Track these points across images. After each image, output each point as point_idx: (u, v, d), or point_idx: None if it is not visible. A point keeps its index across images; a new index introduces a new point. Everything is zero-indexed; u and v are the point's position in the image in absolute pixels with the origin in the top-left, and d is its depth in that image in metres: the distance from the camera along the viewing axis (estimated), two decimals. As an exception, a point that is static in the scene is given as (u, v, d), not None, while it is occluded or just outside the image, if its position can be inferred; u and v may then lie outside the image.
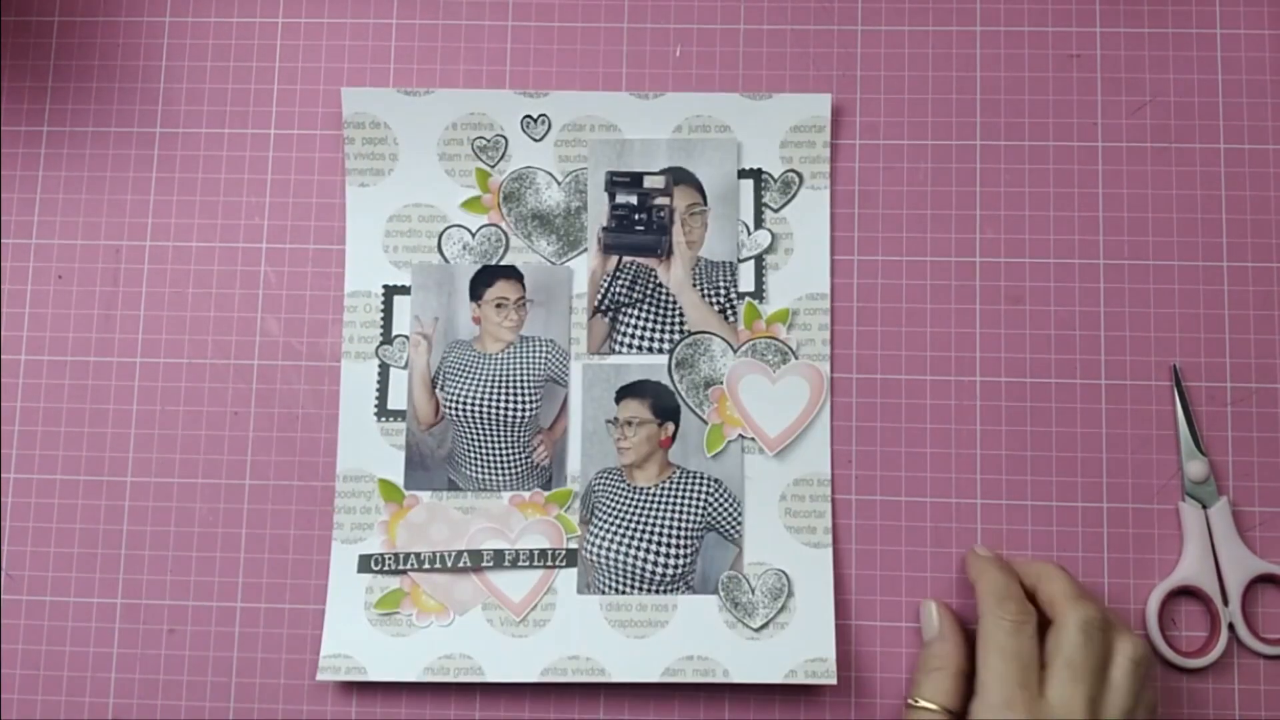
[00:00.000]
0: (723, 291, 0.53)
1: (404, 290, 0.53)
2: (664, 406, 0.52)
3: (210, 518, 0.53)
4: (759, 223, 0.53)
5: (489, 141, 0.54)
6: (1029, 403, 0.52)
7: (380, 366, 0.53)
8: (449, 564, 0.51)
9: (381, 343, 0.53)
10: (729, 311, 0.53)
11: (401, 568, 0.51)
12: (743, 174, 0.53)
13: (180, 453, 0.53)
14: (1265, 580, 0.51)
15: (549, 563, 0.51)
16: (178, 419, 0.53)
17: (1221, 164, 0.54)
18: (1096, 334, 0.53)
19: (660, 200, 0.53)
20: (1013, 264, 0.53)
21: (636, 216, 0.53)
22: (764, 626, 0.50)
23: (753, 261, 0.53)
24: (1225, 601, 0.50)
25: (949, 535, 0.52)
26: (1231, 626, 0.50)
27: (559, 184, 0.54)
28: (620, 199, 0.53)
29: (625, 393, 0.52)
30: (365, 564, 0.51)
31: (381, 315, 0.53)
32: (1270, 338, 0.52)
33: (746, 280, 0.53)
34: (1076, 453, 0.52)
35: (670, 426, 0.52)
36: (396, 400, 0.52)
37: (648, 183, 0.53)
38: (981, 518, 0.52)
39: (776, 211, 0.53)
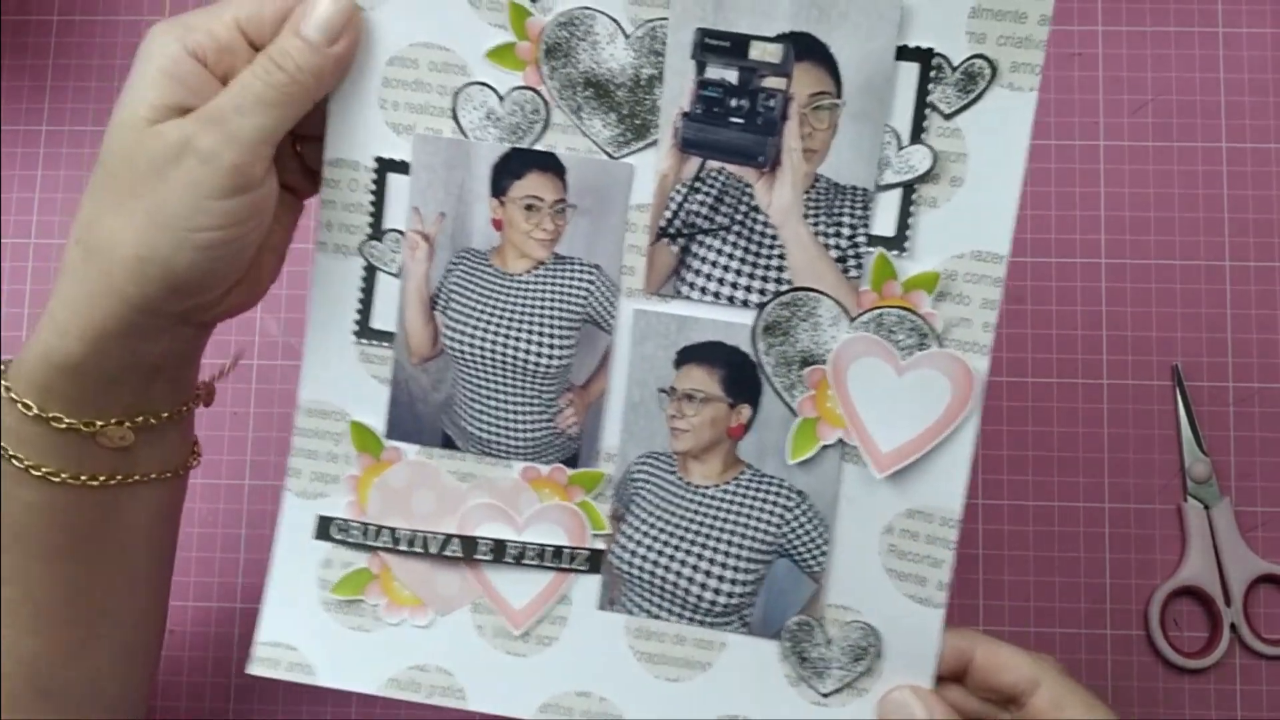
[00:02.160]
0: (847, 231, 0.37)
1: (402, 168, 0.38)
2: (740, 382, 0.38)
3: (210, 518, 0.53)
4: (918, 134, 0.37)
5: None
6: (1030, 402, 0.52)
7: (365, 269, 0.39)
8: (432, 549, 0.39)
9: (369, 237, 0.39)
10: (851, 262, 0.37)
11: (371, 543, 0.39)
12: (904, 53, 0.36)
13: (180, 453, 0.52)
14: (1267, 580, 0.51)
15: (564, 564, 0.39)
16: (178, 419, 0.53)
17: (1224, 163, 0.53)
18: (1098, 333, 0.53)
19: (772, 81, 0.37)
20: (1014, 263, 0.53)
21: (734, 102, 0.37)
22: (836, 692, 0.38)
23: (899, 191, 0.37)
24: (1227, 602, 0.50)
25: (950, 535, 0.52)
26: (1234, 627, 0.50)
27: (627, 37, 0.37)
28: (713, 73, 0.37)
29: (689, 356, 0.38)
30: (324, 528, 0.39)
31: (372, 198, 0.38)
32: (1273, 337, 0.52)
33: (885, 219, 0.37)
34: (1078, 453, 0.52)
35: (745, 410, 0.38)
36: (384, 318, 0.39)
37: (755, 52, 0.37)
38: (983, 518, 0.52)
39: (948, 119, 0.36)
